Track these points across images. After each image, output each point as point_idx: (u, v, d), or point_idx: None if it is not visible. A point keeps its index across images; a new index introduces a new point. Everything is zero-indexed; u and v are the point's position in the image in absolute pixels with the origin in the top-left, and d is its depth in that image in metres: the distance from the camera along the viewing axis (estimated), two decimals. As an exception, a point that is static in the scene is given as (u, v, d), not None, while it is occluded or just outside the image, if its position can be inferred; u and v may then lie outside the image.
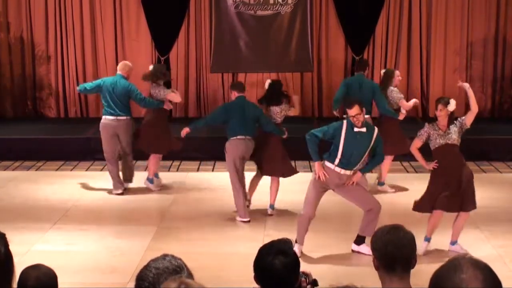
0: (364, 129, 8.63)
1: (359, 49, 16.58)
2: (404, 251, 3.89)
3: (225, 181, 12.50)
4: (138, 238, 9.57)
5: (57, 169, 12.72)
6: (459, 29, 16.44)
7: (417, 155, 8.95)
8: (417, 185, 9.23)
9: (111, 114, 11.40)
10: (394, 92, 11.71)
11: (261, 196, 11.49)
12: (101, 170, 12.04)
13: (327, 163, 8.80)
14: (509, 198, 10.64)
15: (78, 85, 16.57)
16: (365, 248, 8.72)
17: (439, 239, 9.19)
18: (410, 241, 3.97)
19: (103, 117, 11.50)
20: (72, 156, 13.05)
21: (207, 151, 14.02)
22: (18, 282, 3.95)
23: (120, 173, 11.63)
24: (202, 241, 9.58)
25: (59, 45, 16.70)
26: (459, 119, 8.74)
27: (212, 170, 13.47)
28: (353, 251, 8.97)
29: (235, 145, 10.16)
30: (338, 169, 8.74)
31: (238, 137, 10.13)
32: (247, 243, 9.11)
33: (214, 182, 12.49)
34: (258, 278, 3.93)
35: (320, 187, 8.86)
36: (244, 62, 16.52)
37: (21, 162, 13.62)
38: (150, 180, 11.79)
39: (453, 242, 8.92)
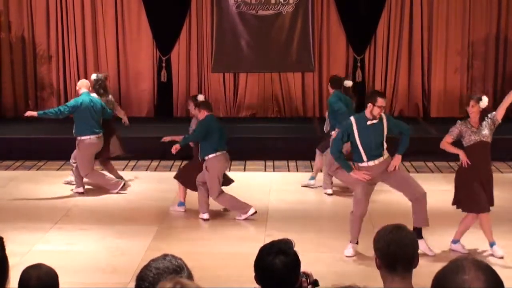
0: (376, 120, 8.73)
1: (361, 49, 16.58)
2: (406, 251, 3.89)
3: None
4: (139, 238, 9.57)
5: (58, 169, 12.71)
6: (460, 29, 16.44)
7: (451, 149, 8.86)
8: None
9: (96, 133, 11.38)
10: None
11: (261, 196, 11.51)
12: (102, 169, 12.03)
13: (360, 165, 8.87)
14: (510, 198, 10.63)
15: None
16: (423, 245, 8.67)
17: (439, 238, 9.19)
18: (412, 240, 3.97)
19: (89, 137, 11.34)
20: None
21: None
22: (19, 281, 3.96)
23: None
24: (203, 241, 9.59)
25: (60, 45, 16.71)
26: (489, 114, 8.72)
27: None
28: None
29: (219, 161, 10.20)
30: (371, 163, 8.81)
31: (219, 153, 10.17)
32: (248, 243, 9.10)
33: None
34: (258, 278, 3.92)
35: (367, 184, 8.89)
36: (245, 61, 16.53)
37: (22, 162, 13.62)
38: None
39: (456, 241, 8.90)
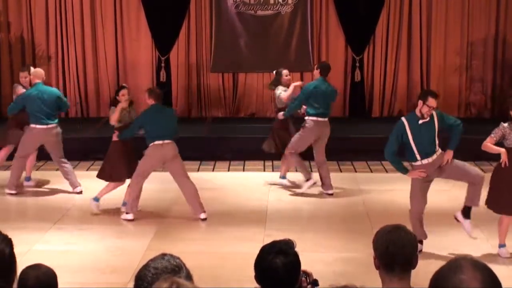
0: (428, 119, 8.76)
1: (359, 49, 16.59)
2: (404, 251, 3.89)
3: (225, 181, 12.55)
4: (139, 238, 9.59)
5: (57, 169, 12.68)
6: (459, 29, 16.44)
7: (493, 150, 8.82)
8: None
9: (43, 123, 11.42)
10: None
11: (260, 196, 11.52)
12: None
13: (414, 164, 8.91)
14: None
15: (78, 85, 16.67)
16: (468, 225, 8.89)
17: (436, 239, 9.20)
18: (411, 241, 3.97)
19: (35, 126, 11.43)
20: (72, 156, 13.01)
21: (208, 151, 14.02)
22: (18, 281, 3.95)
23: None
24: (202, 240, 9.60)
25: (59, 45, 16.71)
26: None
27: (213, 170, 13.47)
28: (455, 218, 9.05)
29: (158, 149, 10.23)
30: (425, 161, 8.84)
31: (159, 141, 10.20)
32: (248, 243, 9.11)
33: (214, 182, 12.50)
34: (258, 278, 3.93)
35: (423, 182, 8.91)
36: (244, 61, 16.54)
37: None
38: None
39: (501, 245, 8.90)
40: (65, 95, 16.34)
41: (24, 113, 11.55)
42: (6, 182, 11.73)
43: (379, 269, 3.94)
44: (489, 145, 8.80)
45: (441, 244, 9.08)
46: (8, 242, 3.23)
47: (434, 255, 8.63)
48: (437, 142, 8.87)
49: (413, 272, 3.86)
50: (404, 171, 8.98)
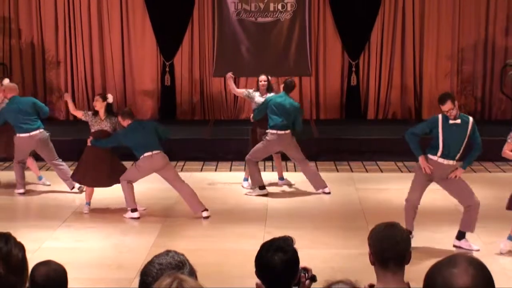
0: (458, 121, 8.75)
1: (355, 55, 16.60)
2: (398, 248, 3.89)
3: (227, 180, 12.54)
4: (144, 235, 9.58)
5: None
6: (450, 35, 16.45)
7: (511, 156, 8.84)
8: (410, 184, 9.20)
9: (24, 131, 11.50)
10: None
11: (260, 195, 11.51)
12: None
13: (430, 156, 8.85)
14: (498, 196, 10.63)
15: (86, 89, 16.66)
16: (465, 243, 8.80)
17: (430, 235, 9.19)
18: (404, 238, 3.97)
19: (18, 135, 11.54)
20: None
21: (210, 152, 14.02)
22: (30, 277, 3.95)
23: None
24: (205, 237, 9.59)
25: (68, 51, 16.72)
26: None
27: (215, 170, 13.47)
28: (454, 246, 8.90)
29: (148, 160, 10.26)
30: (441, 160, 8.80)
31: (148, 153, 10.23)
32: (248, 240, 9.11)
33: (216, 181, 12.49)
34: (258, 273, 3.93)
35: (425, 178, 8.90)
36: (245, 66, 16.51)
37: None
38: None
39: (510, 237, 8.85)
40: (74, 98, 16.40)
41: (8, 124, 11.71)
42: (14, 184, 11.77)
43: (374, 264, 3.94)
44: (508, 152, 8.77)
45: (434, 240, 9.09)
46: (21, 247, 3.26)
47: (427, 250, 8.61)
48: (461, 149, 8.81)
49: (406, 267, 3.85)
50: (418, 151, 8.89)
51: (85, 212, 10.62)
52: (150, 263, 3.16)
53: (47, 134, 11.74)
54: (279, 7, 16.36)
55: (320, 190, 11.63)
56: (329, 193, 11.60)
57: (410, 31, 16.51)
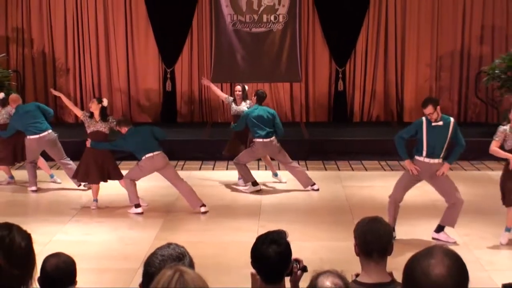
0: (440, 123, 8.75)
1: (342, 62, 16.61)
2: (381, 240, 3.89)
3: (224, 179, 12.53)
4: (147, 229, 9.57)
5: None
6: (429, 44, 16.47)
7: (500, 154, 8.71)
8: (392, 182, 9.22)
9: (32, 133, 11.52)
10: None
11: (255, 192, 11.50)
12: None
13: (417, 157, 8.82)
14: (472, 192, 10.66)
15: (94, 95, 16.63)
16: (443, 236, 8.82)
17: (410, 229, 9.20)
18: (386, 231, 3.97)
19: (28, 137, 11.54)
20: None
21: (208, 152, 14.02)
22: (41, 268, 3.95)
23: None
24: (204, 231, 9.58)
25: (77, 59, 16.71)
26: None
27: (213, 169, 13.45)
28: (433, 238, 8.90)
29: (150, 161, 10.26)
30: (427, 160, 8.77)
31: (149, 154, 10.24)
32: (244, 233, 9.10)
33: (214, 179, 12.48)
34: (254, 264, 3.93)
35: (413, 178, 8.88)
36: (240, 73, 16.52)
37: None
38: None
39: (508, 229, 8.83)
40: (82, 103, 16.38)
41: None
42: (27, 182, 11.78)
43: (359, 255, 3.94)
44: (497, 149, 8.68)
45: (414, 233, 9.10)
46: (25, 236, 3.14)
47: (408, 242, 8.62)
48: (445, 148, 8.81)
49: (389, 258, 3.86)
50: (404, 155, 8.88)
51: (92, 208, 10.61)
52: (153, 255, 3.17)
53: (55, 134, 11.74)
54: (272, 18, 16.38)
55: (309, 187, 11.63)
56: (318, 189, 11.61)
57: (392, 40, 16.54)
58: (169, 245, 3.21)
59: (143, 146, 10.20)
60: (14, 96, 12.11)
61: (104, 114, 10.71)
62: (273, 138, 11.39)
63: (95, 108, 10.64)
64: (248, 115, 11.39)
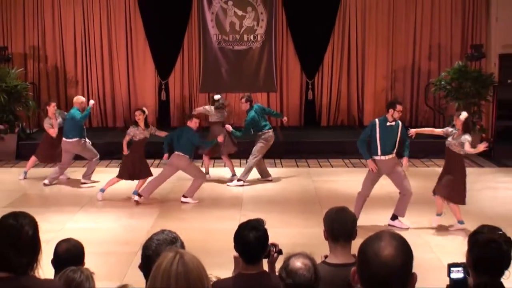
0: (393, 123, 8.78)
1: (311, 75, 16.64)
2: (346, 227, 3.91)
3: (218, 175, 12.49)
4: (145, 218, 9.54)
5: (83, 166, 12.61)
6: (386, 60, 16.54)
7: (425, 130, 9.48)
8: (354, 177, 9.25)
9: (67, 137, 11.48)
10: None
11: (237, 186, 11.47)
12: (117, 166, 11.93)
13: (375, 157, 8.80)
14: (421, 186, 10.70)
15: (99, 103, 16.54)
16: (398, 223, 8.86)
17: (374, 217, 9.22)
18: (351, 219, 3.99)
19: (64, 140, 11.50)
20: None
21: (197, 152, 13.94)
22: (54, 252, 3.93)
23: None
24: (193, 219, 9.56)
25: (85, 72, 16.62)
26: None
27: (212, 166, 13.39)
28: (389, 225, 8.90)
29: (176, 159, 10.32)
30: (383, 157, 8.76)
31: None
32: (227, 221, 9.08)
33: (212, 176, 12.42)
34: (237, 248, 3.93)
35: (375, 175, 8.86)
36: (225, 84, 16.52)
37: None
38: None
39: (460, 222, 8.85)
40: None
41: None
42: (44, 176, 11.67)
43: (327, 240, 3.95)
44: (470, 150, 8.58)
45: (374, 220, 9.11)
46: (32, 224, 3.06)
47: (369, 228, 8.61)
48: (396, 145, 8.84)
49: (353, 242, 3.87)
50: (366, 156, 8.86)
51: (99, 200, 10.53)
52: (150, 239, 3.18)
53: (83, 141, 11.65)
54: (251, 37, 16.40)
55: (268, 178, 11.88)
56: (271, 180, 11.80)
57: (354, 56, 16.59)
58: (163, 231, 3.22)
59: (176, 144, 10.41)
60: (77, 98, 12.02)
61: (147, 122, 10.60)
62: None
63: (141, 118, 10.47)
64: (253, 118, 11.48)
